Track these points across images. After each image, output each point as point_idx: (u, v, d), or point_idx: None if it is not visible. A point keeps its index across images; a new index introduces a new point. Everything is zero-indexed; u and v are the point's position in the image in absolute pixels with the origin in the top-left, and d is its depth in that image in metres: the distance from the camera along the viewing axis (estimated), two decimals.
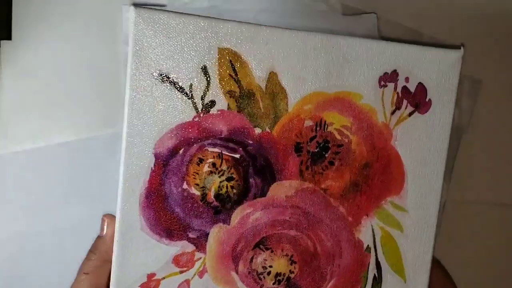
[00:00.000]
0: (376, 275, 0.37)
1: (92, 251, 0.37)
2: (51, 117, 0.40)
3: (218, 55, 0.34)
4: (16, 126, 0.42)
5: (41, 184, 0.44)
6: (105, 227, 0.37)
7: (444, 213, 0.46)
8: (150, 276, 0.35)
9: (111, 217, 0.37)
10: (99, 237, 0.37)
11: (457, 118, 0.47)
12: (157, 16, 0.33)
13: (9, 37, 0.43)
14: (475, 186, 0.47)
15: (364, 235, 0.36)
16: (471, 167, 0.48)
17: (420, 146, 0.36)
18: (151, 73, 0.33)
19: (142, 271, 0.35)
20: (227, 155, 0.35)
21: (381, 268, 0.37)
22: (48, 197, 0.44)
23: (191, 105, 0.34)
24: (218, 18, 0.34)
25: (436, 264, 0.41)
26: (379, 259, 0.37)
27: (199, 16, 0.33)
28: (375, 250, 0.37)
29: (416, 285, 0.37)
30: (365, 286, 0.37)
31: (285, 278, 0.36)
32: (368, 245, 0.37)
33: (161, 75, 0.33)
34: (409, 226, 0.37)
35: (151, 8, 0.33)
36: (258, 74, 0.34)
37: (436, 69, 0.36)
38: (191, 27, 0.33)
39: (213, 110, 0.34)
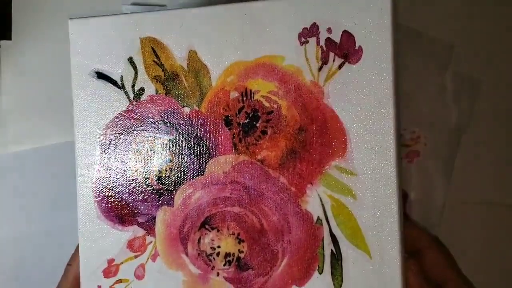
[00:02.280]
0: (334, 251, 0.33)
1: (70, 261, 0.40)
2: (51, 117, 0.41)
3: (141, 44, 0.36)
4: (16, 126, 0.43)
5: (41, 184, 0.45)
6: None
7: (444, 213, 0.45)
8: (110, 261, 0.37)
9: None
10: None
11: (457, 118, 0.46)
12: (88, 22, 0.37)
13: (9, 37, 0.44)
14: (475, 186, 0.45)
15: (312, 206, 0.33)
16: (471, 167, 0.46)
17: (359, 100, 0.32)
18: (88, 73, 0.37)
19: (103, 257, 0.37)
20: (161, 138, 0.36)
21: (338, 242, 0.33)
22: (48, 197, 0.45)
23: (124, 95, 0.36)
24: (140, 12, 0.36)
25: (434, 244, 0.35)
26: (334, 232, 0.33)
27: (123, 13, 0.37)
28: (328, 222, 0.33)
29: (385, 262, 0.32)
30: (323, 264, 0.33)
31: (235, 258, 0.34)
32: (318, 216, 0.33)
33: (96, 72, 0.37)
34: (362, 191, 0.32)
35: (83, 18, 0.37)
36: (178, 55, 0.35)
37: (361, 11, 0.32)
38: (116, 25, 0.36)
39: (144, 97, 0.36)
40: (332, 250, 0.33)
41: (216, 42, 0.35)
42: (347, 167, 0.33)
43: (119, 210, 0.36)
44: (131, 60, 0.36)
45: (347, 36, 0.32)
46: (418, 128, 0.45)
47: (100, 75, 0.37)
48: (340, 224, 0.33)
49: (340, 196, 0.33)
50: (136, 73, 0.36)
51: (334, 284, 0.33)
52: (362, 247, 0.32)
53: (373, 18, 0.32)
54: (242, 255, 0.34)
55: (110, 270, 0.37)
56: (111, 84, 0.37)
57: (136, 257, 0.36)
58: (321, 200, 0.33)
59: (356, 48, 0.32)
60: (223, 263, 0.35)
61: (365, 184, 0.32)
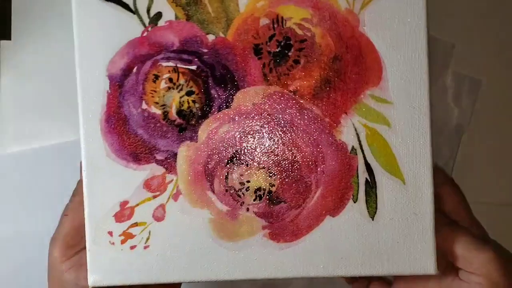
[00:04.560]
0: (369, 179, 0.33)
1: (73, 194, 0.36)
2: (51, 117, 0.41)
3: None
4: (16, 126, 0.42)
5: (41, 184, 0.44)
6: None
7: None
8: (123, 204, 0.33)
9: None
10: (79, 181, 0.37)
11: (457, 118, 0.47)
12: None
13: (9, 37, 0.44)
14: (475, 186, 0.47)
15: (347, 136, 0.33)
16: (471, 167, 0.47)
17: (394, 28, 0.32)
18: None
19: (114, 200, 0.33)
20: (183, 67, 0.33)
21: (372, 170, 0.33)
22: (48, 197, 0.44)
23: (138, 20, 0.33)
24: None
25: (449, 181, 0.36)
26: (369, 161, 0.33)
27: None
28: (362, 151, 0.33)
29: (418, 188, 0.33)
30: (357, 192, 0.33)
31: (265, 192, 0.33)
32: (353, 146, 0.33)
33: None
34: (397, 119, 0.33)
35: None
36: None
37: None
38: None
39: (161, 22, 0.33)
40: (366, 179, 0.33)
41: None
42: (382, 95, 0.33)
43: (133, 147, 0.33)
44: None
45: None
46: None
47: None
48: (374, 153, 0.33)
49: (374, 124, 0.33)
50: None
51: (368, 212, 0.33)
52: (397, 174, 0.33)
53: None
54: (273, 189, 0.33)
55: (123, 213, 0.34)
56: (121, 8, 0.33)
57: (154, 197, 0.33)
58: (355, 130, 0.33)
59: None
60: (253, 198, 0.33)
61: (399, 112, 0.33)
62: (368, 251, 0.33)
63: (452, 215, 0.36)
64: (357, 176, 0.33)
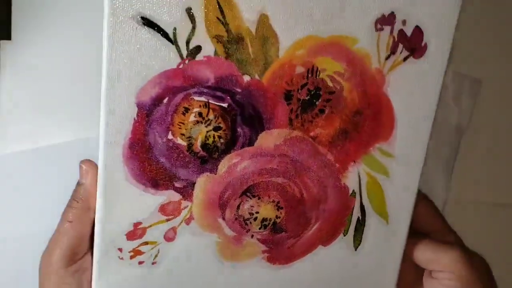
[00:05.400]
0: (360, 218, 0.38)
1: (74, 199, 0.36)
2: (51, 117, 0.39)
3: None
4: (16, 126, 0.41)
5: (41, 184, 0.43)
6: (84, 173, 0.35)
7: (444, 213, 0.46)
8: (136, 224, 0.34)
9: (89, 163, 0.35)
10: (79, 184, 0.36)
11: (457, 118, 0.46)
12: None
13: (9, 37, 0.42)
14: (475, 186, 0.47)
15: (350, 181, 0.36)
16: (471, 167, 0.47)
17: (412, 92, 0.35)
18: (131, 17, 0.30)
19: (128, 221, 0.34)
20: (214, 104, 0.33)
21: (365, 211, 0.37)
22: (48, 198, 0.43)
23: (176, 51, 0.31)
24: None
25: (422, 197, 0.41)
26: (363, 203, 0.37)
27: None
28: (360, 195, 0.37)
29: (398, 226, 0.38)
30: (348, 228, 0.38)
31: (271, 222, 0.36)
32: (353, 190, 0.37)
33: (142, 18, 0.30)
34: (395, 170, 0.37)
35: None
36: (247, 16, 0.31)
37: (435, 11, 0.33)
38: None
39: (199, 57, 0.31)
40: (358, 217, 0.37)
41: (292, 10, 0.32)
42: (388, 150, 0.36)
43: (154, 173, 0.33)
44: (189, 12, 0.30)
45: (418, 31, 0.34)
46: None
47: (147, 22, 0.30)
48: (370, 196, 0.37)
49: (376, 173, 0.37)
50: (194, 27, 0.31)
51: (354, 244, 0.38)
52: (383, 215, 0.38)
53: (442, 17, 0.34)
54: (278, 220, 0.36)
55: (136, 233, 0.35)
56: (160, 36, 0.31)
57: (168, 220, 0.35)
58: (359, 176, 0.36)
59: (422, 44, 0.34)
60: (259, 226, 0.36)
61: (397, 166, 0.37)
62: (348, 277, 0.39)
63: (429, 227, 0.40)
64: (351, 215, 0.37)
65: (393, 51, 0.34)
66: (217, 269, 0.37)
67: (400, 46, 0.34)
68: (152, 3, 0.30)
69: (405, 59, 0.34)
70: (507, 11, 0.48)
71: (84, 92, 0.42)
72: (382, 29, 0.33)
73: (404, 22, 0.33)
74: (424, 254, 0.39)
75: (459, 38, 0.47)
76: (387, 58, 0.34)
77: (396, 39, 0.34)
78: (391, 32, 0.33)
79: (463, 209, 0.48)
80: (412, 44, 0.34)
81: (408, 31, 0.34)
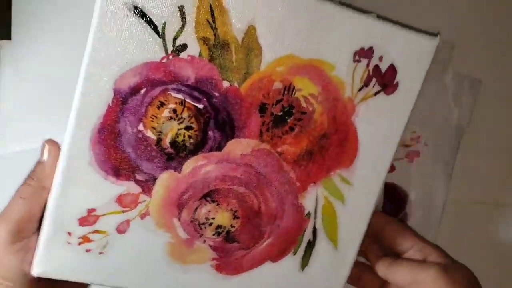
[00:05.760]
0: (311, 240, 0.38)
1: (30, 176, 0.35)
2: (51, 117, 0.39)
3: None
4: (16, 126, 0.41)
5: None
6: (45, 152, 0.35)
7: (444, 213, 0.46)
8: (90, 211, 0.34)
9: (52, 143, 0.35)
10: (39, 162, 0.35)
11: (457, 118, 0.46)
12: None
13: (9, 37, 0.42)
14: (475, 186, 0.47)
15: (307, 201, 0.37)
16: (471, 167, 0.47)
17: (378, 125, 0.37)
18: (124, 4, 0.30)
19: (83, 205, 0.34)
20: (190, 103, 0.33)
21: (316, 234, 0.38)
22: None
23: (161, 45, 0.32)
24: None
25: (390, 219, 0.42)
26: (317, 226, 0.38)
27: None
28: (315, 217, 0.38)
29: (346, 253, 0.39)
30: (298, 248, 0.38)
31: (225, 231, 0.37)
32: (309, 211, 0.38)
33: (134, 7, 0.31)
34: (351, 198, 0.38)
35: None
36: (237, 25, 0.32)
37: (411, 54, 0.35)
38: None
39: (183, 55, 0.32)
40: (310, 239, 0.38)
41: (279, 28, 0.33)
42: (347, 177, 0.37)
43: (117, 162, 0.33)
44: (181, 10, 0.31)
45: (392, 69, 0.36)
46: (418, 128, 0.45)
47: (139, 12, 0.31)
48: (324, 220, 0.38)
49: (332, 198, 0.38)
50: (183, 26, 0.32)
51: (301, 264, 0.39)
52: (333, 240, 0.39)
53: (416, 61, 0.36)
54: (232, 230, 0.37)
55: (88, 219, 0.34)
56: (149, 27, 0.31)
57: (123, 212, 0.34)
58: (316, 198, 0.37)
59: (394, 82, 0.36)
60: (213, 233, 0.36)
61: (354, 194, 0.38)
62: None
63: (405, 246, 0.40)
64: (303, 235, 0.38)
65: (366, 84, 0.36)
66: (164, 269, 0.36)
67: (374, 80, 0.36)
68: None
69: (376, 93, 0.36)
70: (508, 11, 0.48)
71: None
72: (359, 61, 0.35)
73: (380, 58, 0.35)
74: (403, 276, 0.38)
75: (459, 38, 0.47)
76: (360, 89, 0.36)
77: (371, 73, 0.35)
78: (368, 65, 0.35)
79: (463, 209, 0.48)
80: (385, 80, 0.36)
81: (383, 68, 0.35)
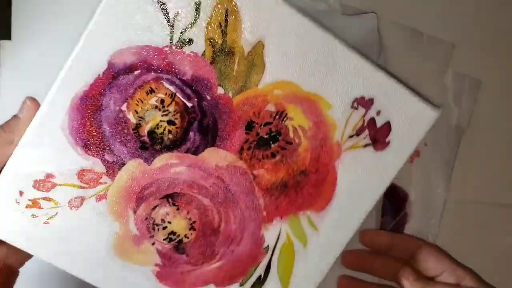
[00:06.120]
0: (262, 276, 0.37)
1: (3, 127, 0.34)
2: None
3: (217, 0, 0.32)
4: None
5: None
6: (25, 109, 0.34)
7: (444, 213, 0.46)
8: (49, 176, 0.33)
9: (33, 101, 0.34)
10: (14, 116, 0.34)
11: (457, 118, 0.47)
12: None
13: (9, 37, 0.43)
14: (475, 186, 0.47)
15: (269, 234, 0.36)
16: (471, 167, 0.47)
17: (360, 179, 0.36)
18: None
19: (43, 168, 0.33)
20: (180, 98, 0.33)
21: (269, 271, 0.36)
22: None
23: (168, 33, 0.32)
24: None
25: (423, 242, 0.41)
26: (272, 262, 0.36)
27: None
28: (272, 253, 0.36)
29: None
30: (247, 280, 0.36)
31: (177, 239, 0.35)
32: (268, 245, 0.36)
33: None
34: (313, 244, 0.36)
35: None
36: (247, 36, 0.32)
37: (409, 119, 0.35)
38: None
39: (187, 49, 0.32)
40: (260, 275, 0.36)
41: (288, 53, 0.33)
42: (315, 221, 0.36)
43: (90, 135, 0.32)
44: (198, 5, 0.31)
45: (387, 127, 0.35)
46: None
47: None
48: (280, 259, 0.36)
49: (295, 239, 0.36)
50: (195, 21, 0.32)
51: None
52: (284, 283, 0.37)
53: (413, 127, 0.35)
54: (185, 240, 0.35)
55: (44, 184, 0.33)
56: (161, 12, 0.31)
57: (80, 187, 0.33)
58: (279, 234, 0.36)
59: (386, 140, 0.35)
60: (165, 237, 0.35)
61: (317, 241, 0.36)
62: None
63: (438, 268, 0.39)
64: (256, 268, 0.36)
65: (357, 133, 0.35)
66: (103, 259, 0.34)
67: (366, 132, 0.35)
68: None
69: (365, 145, 0.35)
70: (508, 11, 0.48)
71: None
72: (356, 109, 0.35)
73: (378, 113, 0.35)
74: None
75: (459, 38, 0.47)
76: (350, 136, 0.35)
77: (365, 123, 0.35)
78: (364, 115, 0.35)
79: (463, 209, 0.48)
80: (378, 135, 0.35)
81: (379, 123, 0.35)
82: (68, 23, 0.43)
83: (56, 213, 0.33)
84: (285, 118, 0.34)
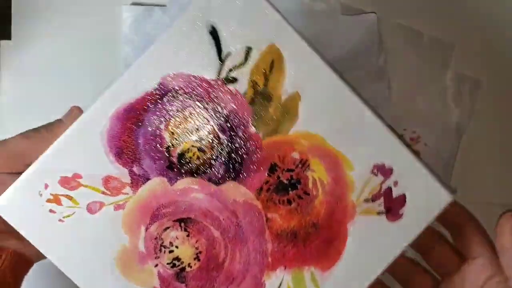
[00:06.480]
0: None
1: (45, 126, 0.37)
2: (51, 117, 0.39)
3: (268, 48, 0.35)
4: (16, 126, 0.41)
5: None
6: (70, 115, 0.37)
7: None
8: (76, 175, 0.34)
9: (78, 110, 0.37)
10: (59, 120, 0.37)
11: (457, 118, 0.47)
12: None
13: (9, 37, 0.44)
14: (475, 186, 0.47)
15: (271, 282, 0.36)
16: (471, 167, 0.47)
17: (368, 247, 0.36)
18: (203, 20, 0.35)
19: (72, 167, 0.34)
20: (215, 129, 0.35)
21: None
22: None
23: (217, 68, 0.35)
24: (290, 24, 0.35)
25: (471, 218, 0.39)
26: None
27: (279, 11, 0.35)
28: None
29: None
30: None
31: (181, 266, 0.35)
32: None
33: (212, 27, 0.35)
34: None
35: None
36: (286, 86, 0.35)
37: (425, 197, 0.36)
38: (261, 11, 0.35)
39: (231, 86, 0.35)
40: None
41: (321, 109, 0.36)
42: (319, 280, 0.36)
43: (125, 145, 0.35)
44: (248, 50, 0.35)
45: (402, 200, 0.36)
46: (418, 128, 0.45)
47: (213, 33, 0.35)
48: None
49: None
50: (243, 64, 0.35)
51: None
52: None
53: (425, 206, 0.36)
54: (188, 269, 0.35)
55: (69, 182, 0.34)
56: (214, 48, 0.35)
57: (103, 193, 0.35)
58: (280, 284, 0.36)
59: (400, 213, 0.36)
60: (168, 261, 0.35)
61: None
62: None
63: (476, 248, 0.38)
64: None
65: (373, 199, 0.36)
66: (103, 270, 0.35)
67: (381, 199, 0.36)
68: (228, 23, 0.35)
69: (379, 213, 0.36)
70: (507, 11, 0.48)
71: (84, 92, 0.43)
72: (376, 175, 0.36)
73: (395, 183, 0.36)
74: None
75: (459, 38, 0.48)
76: (365, 201, 0.36)
77: (381, 191, 0.36)
78: (382, 183, 0.36)
79: None
80: (392, 205, 0.36)
81: (395, 193, 0.36)
82: (68, 23, 0.43)
83: (74, 212, 0.34)
84: (307, 168, 0.36)
